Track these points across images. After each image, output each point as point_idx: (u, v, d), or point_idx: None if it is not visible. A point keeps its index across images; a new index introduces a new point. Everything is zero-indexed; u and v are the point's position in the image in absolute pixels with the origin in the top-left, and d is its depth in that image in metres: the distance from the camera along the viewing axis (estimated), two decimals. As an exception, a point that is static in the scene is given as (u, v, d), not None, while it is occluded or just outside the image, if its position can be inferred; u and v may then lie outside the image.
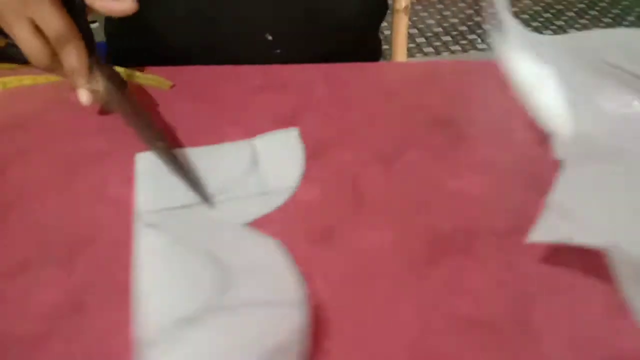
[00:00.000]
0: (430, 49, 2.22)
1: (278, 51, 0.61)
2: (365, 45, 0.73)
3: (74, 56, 0.44)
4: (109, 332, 0.27)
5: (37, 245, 0.33)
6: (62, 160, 0.40)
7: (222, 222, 0.33)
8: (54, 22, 0.44)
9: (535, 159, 0.39)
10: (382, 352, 0.26)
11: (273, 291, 0.27)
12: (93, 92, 0.45)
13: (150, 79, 0.51)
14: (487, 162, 0.39)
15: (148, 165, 0.38)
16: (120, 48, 0.68)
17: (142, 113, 0.44)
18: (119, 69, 0.52)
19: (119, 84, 0.47)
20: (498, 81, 0.50)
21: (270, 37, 0.61)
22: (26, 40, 0.44)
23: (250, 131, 0.42)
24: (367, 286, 0.29)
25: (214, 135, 0.42)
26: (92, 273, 0.30)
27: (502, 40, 0.39)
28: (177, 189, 0.36)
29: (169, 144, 0.41)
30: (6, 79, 0.52)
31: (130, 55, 0.60)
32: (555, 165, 0.38)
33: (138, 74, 0.52)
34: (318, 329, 0.27)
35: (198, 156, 0.39)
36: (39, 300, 0.29)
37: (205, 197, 0.36)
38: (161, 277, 0.28)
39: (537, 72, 0.39)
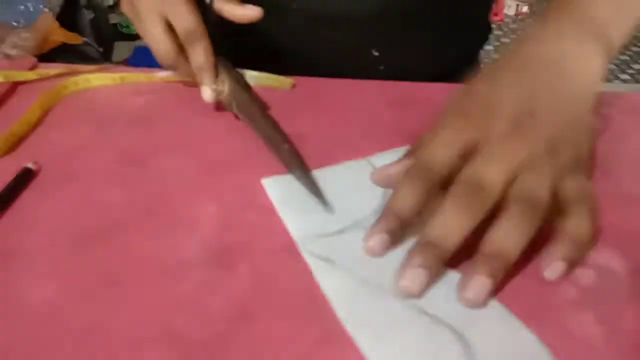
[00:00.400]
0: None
1: (382, 67, 0.60)
2: (469, 67, 0.71)
3: (202, 53, 0.45)
4: (281, 343, 0.26)
5: (194, 245, 0.32)
6: (202, 160, 0.40)
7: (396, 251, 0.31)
8: (187, 18, 0.44)
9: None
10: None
11: (518, 352, 0.25)
12: (217, 91, 0.45)
13: (270, 78, 0.50)
14: (636, 195, 0.37)
15: (280, 190, 0.36)
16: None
17: (267, 116, 0.43)
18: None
19: (244, 85, 0.46)
20: (625, 112, 0.48)
21: (376, 54, 0.60)
22: (158, 36, 0.45)
23: (383, 146, 0.41)
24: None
25: (347, 148, 0.41)
26: (256, 281, 0.29)
27: None
28: (321, 213, 0.34)
29: (294, 147, 0.39)
30: (124, 75, 0.52)
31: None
32: None
33: (255, 72, 0.51)
34: None
35: (321, 178, 0.37)
36: (209, 305, 0.28)
37: (325, 202, 0.34)
38: (389, 334, 0.26)
39: None
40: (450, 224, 0.29)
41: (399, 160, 0.36)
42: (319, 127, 0.44)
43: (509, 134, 0.32)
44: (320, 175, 0.37)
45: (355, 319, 0.26)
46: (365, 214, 0.34)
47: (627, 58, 2.31)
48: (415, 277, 0.28)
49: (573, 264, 0.30)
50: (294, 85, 0.51)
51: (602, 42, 0.38)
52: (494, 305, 0.28)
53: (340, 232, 0.32)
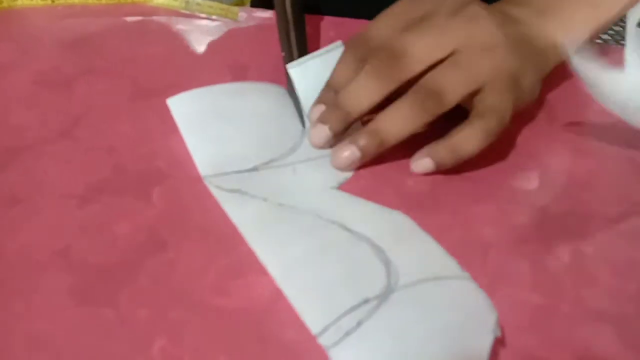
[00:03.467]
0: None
1: None
2: None
3: None
4: (193, 274, 0.24)
5: (107, 170, 0.29)
6: (130, 86, 0.37)
7: (315, 185, 0.29)
8: None
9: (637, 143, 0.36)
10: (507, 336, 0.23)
11: (433, 264, 0.24)
12: None
13: (214, 7, 0.47)
14: (587, 144, 0.36)
15: (187, 112, 0.33)
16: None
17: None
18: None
19: None
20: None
21: None
22: None
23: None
24: (476, 258, 0.26)
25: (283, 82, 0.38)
26: (169, 209, 0.27)
27: None
28: (233, 144, 0.31)
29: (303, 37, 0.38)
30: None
31: None
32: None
33: (199, 1, 0.48)
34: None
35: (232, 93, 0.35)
36: (115, 230, 0.26)
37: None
38: (305, 258, 0.24)
39: None
40: (362, 90, 0.29)
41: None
42: (260, 59, 0.41)
43: (452, 13, 0.30)
44: (234, 90, 0.35)
45: (267, 245, 0.25)
46: (281, 152, 0.31)
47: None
48: (318, 132, 0.30)
49: (441, 168, 0.30)
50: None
51: None
52: (416, 230, 0.26)
53: (254, 169, 0.30)
